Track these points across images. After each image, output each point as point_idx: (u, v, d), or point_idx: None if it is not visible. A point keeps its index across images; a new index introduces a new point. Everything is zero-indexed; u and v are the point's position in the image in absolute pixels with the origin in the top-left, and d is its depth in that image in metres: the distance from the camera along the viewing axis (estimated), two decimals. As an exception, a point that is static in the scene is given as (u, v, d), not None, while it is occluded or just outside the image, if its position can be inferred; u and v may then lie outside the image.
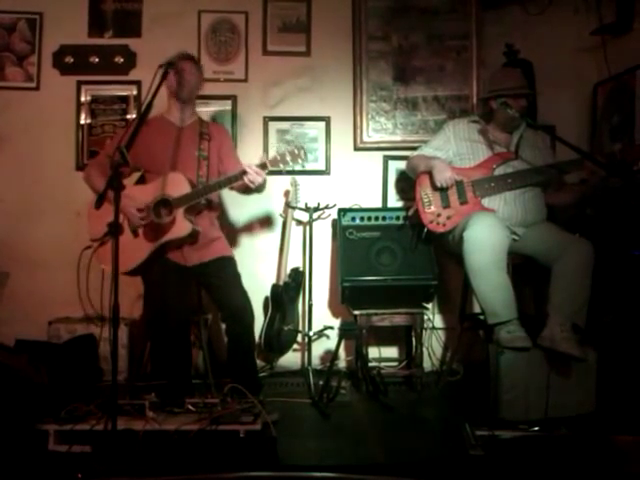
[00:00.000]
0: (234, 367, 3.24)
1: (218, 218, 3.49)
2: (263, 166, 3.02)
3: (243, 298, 3.21)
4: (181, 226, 3.09)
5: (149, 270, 3.20)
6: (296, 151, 3.01)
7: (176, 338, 3.11)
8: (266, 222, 4.13)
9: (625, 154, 3.52)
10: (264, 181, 3.08)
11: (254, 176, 3.01)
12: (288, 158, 3.00)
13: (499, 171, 3.37)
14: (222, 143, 3.39)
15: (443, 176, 3.35)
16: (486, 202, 3.33)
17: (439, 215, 3.40)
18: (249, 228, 4.12)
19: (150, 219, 3.13)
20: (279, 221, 4.10)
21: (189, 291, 3.35)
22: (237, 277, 3.29)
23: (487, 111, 3.52)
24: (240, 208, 4.07)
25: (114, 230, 2.45)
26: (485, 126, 3.50)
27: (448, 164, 3.42)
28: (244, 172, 3.02)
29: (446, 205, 3.39)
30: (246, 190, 3.21)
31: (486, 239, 3.02)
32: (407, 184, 3.98)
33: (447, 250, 3.58)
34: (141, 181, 3.41)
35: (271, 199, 4.08)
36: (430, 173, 3.42)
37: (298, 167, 3.13)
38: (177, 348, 3.12)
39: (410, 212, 3.64)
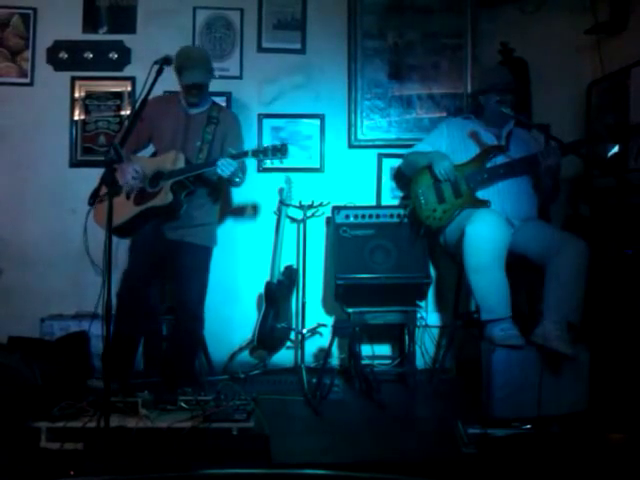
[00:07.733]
0: (168, 359, 3.46)
1: (220, 207, 3.66)
2: (233, 156, 3.17)
3: (190, 294, 3.34)
4: (163, 196, 3.25)
5: (133, 235, 3.44)
6: (278, 147, 3.14)
7: (124, 307, 3.25)
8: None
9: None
10: (234, 172, 3.19)
11: (222, 164, 3.14)
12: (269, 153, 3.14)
13: (491, 164, 3.40)
14: (228, 131, 3.47)
15: (442, 165, 3.37)
16: (480, 194, 3.35)
17: (435, 210, 3.41)
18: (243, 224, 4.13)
19: (142, 186, 3.34)
20: (273, 218, 4.10)
21: (160, 269, 3.43)
22: (198, 270, 3.39)
23: (477, 107, 3.57)
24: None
25: (109, 226, 2.46)
26: (476, 121, 3.55)
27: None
28: (215, 161, 3.18)
29: (441, 200, 3.40)
30: (229, 182, 3.41)
31: (488, 236, 3.02)
32: (401, 182, 4.00)
33: (440, 247, 3.59)
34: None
35: (265, 196, 4.08)
36: (429, 168, 3.44)
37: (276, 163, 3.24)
38: (123, 322, 3.25)
39: (407, 211, 3.65)
